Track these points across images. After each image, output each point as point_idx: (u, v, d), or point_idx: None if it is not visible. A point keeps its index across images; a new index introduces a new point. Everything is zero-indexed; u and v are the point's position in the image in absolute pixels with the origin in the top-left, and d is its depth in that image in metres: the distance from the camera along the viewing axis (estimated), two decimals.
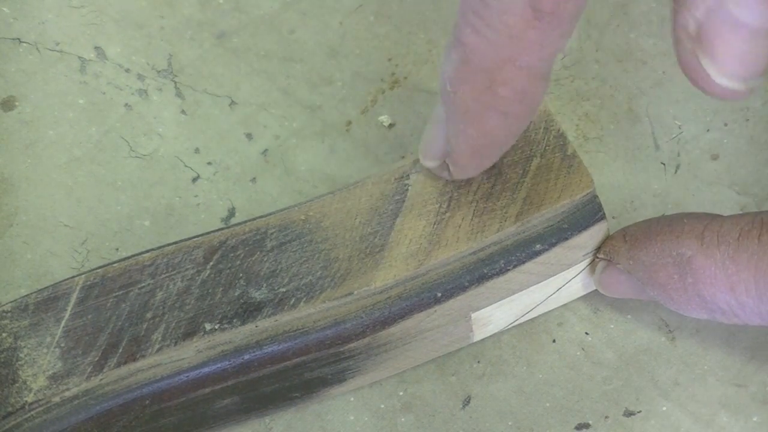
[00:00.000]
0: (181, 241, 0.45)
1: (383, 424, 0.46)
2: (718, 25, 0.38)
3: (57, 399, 0.42)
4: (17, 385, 0.42)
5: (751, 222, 0.42)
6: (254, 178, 0.51)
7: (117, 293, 0.44)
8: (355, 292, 0.43)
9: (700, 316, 0.44)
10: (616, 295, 0.46)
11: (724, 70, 0.38)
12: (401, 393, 0.47)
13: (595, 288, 0.47)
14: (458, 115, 0.40)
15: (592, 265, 0.46)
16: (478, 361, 0.47)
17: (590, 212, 0.45)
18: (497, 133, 0.41)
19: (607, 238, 0.45)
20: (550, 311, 0.47)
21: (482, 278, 0.44)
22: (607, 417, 0.46)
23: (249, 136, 0.52)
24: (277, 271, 0.44)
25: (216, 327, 0.43)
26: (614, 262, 0.45)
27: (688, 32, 0.38)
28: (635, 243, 0.44)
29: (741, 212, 0.45)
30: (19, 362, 0.43)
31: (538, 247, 0.44)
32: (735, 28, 0.37)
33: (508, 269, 0.44)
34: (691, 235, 0.42)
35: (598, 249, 0.45)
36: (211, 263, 0.44)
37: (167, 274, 0.44)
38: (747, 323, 0.43)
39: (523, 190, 0.45)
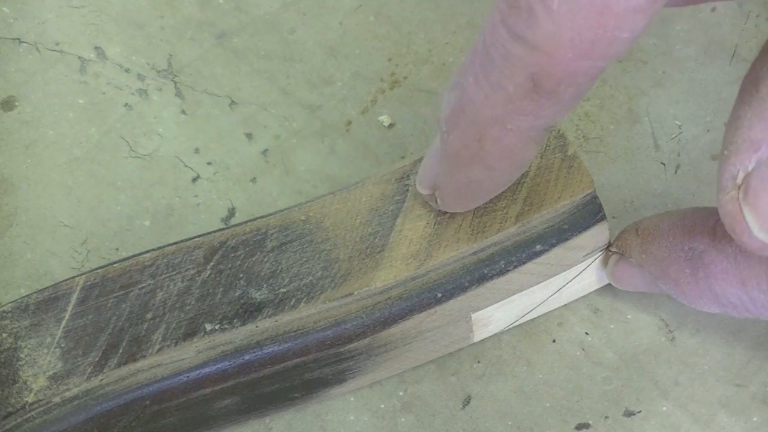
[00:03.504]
0: (181, 241, 0.45)
1: (383, 424, 0.46)
2: (767, 178, 0.37)
3: (57, 399, 0.42)
4: (18, 385, 0.42)
5: None
6: (254, 178, 0.51)
7: (117, 293, 0.44)
8: (356, 293, 0.43)
9: (711, 310, 0.44)
10: (629, 288, 0.46)
11: (766, 224, 0.37)
12: (401, 393, 0.47)
13: (595, 289, 0.47)
14: (448, 157, 0.40)
15: (605, 258, 0.46)
16: (478, 361, 0.47)
17: (590, 213, 0.45)
18: (482, 182, 0.41)
19: (620, 232, 0.45)
20: (550, 311, 0.47)
21: (482, 279, 0.44)
22: (607, 417, 0.46)
23: (249, 136, 0.52)
24: (278, 272, 0.44)
25: (216, 327, 0.43)
26: (627, 256, 0.45)
27: (735, 181, 0.37)
28: (647, 237, 0.44)
29: None
30: (20, 362, 0.43)
31: (538, 247, 0.44)
32: None
33: (509, 270, 0.44)
34: (703, 230, 0.43)
35: (610, 243, 0.46)
36: (212, 263, 0.44)
37: (167, 275, 0.44)
38: (759, 317, 0.43)
39: (524, 191, 0.45)
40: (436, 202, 0.43)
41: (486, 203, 0.44)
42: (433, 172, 0.42)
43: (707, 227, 0.43)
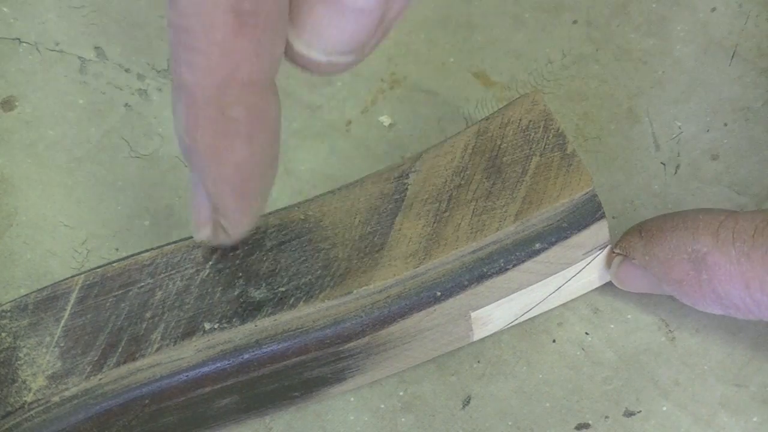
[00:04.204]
0: (180, 240, 0.45)
1: (383, 424, 0.46)
2: None
3: (56, 399, 0.42)
4: (17, 384, 0.42)
5: (766, 219, 0.42)
6: None
7: (116, 293, 0.44)
8: (355, 292, 0.43)
9: (714, 311, 0.44)
10: (632, 289, 0.46)
11: (305, 40, 0.37)
12: (401, 393, 0.47)
13: (594, 287, 0.47)
14: (207, 161, 0.38)
15: (609, 259, 0.46)
16: (478, 361, 0.47)
17: (590, 211, 0.45)
18: (250, 162, 0.39)
19: (624, 233, 0.46)
20: (550, 311, 0.47)
21: (482, 277, 0.44)
22: (607, 417, 0.46)
23: None
24: (277, 271, 0.44)
25: (215, 326, 0.43)
26: (630, 258, 0.45)
27: None
28: (651, 239, 0.44)
29: (756, 209, 0.45)
30: (19, 362, 0.43)
31: (537, 246, 0.44)
32: (322, 1, 0.37)
33: (508, 268, 0.44)
34: (706, 232, 0.43)
35: (611, 243, 0.46)
36: (211, 262, 0.44)
37: (167, 274, 0.44)
38: (762, 319, 0.43)
39: (523, 189, 0.45)
40: (222, 230, 0.41)
41: (485, 202, 0.44)
42: (202, 205, 0.40)
43: (710, 229, 0.43)
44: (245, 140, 0.38)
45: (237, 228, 0.41)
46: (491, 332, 0.47)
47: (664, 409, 0.46)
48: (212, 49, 0.36)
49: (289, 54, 0.38)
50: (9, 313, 0.44)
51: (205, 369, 0.43)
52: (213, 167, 0.39)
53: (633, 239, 0.45)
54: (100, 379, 0.42)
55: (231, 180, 0.39)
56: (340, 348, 0.44)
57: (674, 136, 0.51)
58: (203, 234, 0.41)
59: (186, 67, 0.36)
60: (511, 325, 0.47)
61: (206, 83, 0.36)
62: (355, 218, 0.45)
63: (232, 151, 0.38)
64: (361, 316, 0.44)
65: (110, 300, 0.44)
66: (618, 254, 0.46)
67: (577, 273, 0.46)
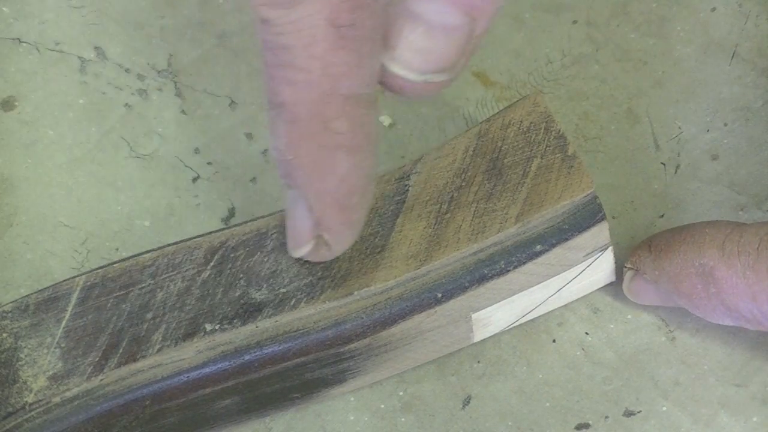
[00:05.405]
0: (181, 241, 0.45)
1: (383, 424, 0.46)
2: (397, 17, 0.37)
3: (57, 399, 0.42)
4: (18, 385, 0.42)
5: None
6: (254, 178, 0.51)
7: (117, 293, 0.44)
8: (356, 293, 0.43)
9: (726, 323, 0.44)
10: (646, 302, 0.47)
11: (400, 61, 0.38)
12: (401, 393, 0.47)
13: (595, 289, 0.47)
14: (310, 176, 0.39)
15: (621, 274, 0.46)
16: (478, 361, 0.47)
17: (590, 213, 0.45)
18: (352, 175, 0.39)
19: (634, 248, 0.46)
20: (550, 311, 0.47)
21: (483, 279, 0.44)
22: (607, 417, 0.46)
23: (249, 136, 0.52)
24: (278, 272, 0.44)
25: (216, 327, 0.43)
26: (641, 272, 0.45)
27: None
28: (659, 253, 0.44)
29: (762, 221, 0.45)
30: (20, 362, 0.43)
31: (538, 247, 0.44)
32: (412, 22, 0.37)
33: (509, 270, 0.44)
34: (712, 246, 0.43)
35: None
36: (212, 263, 0.44)
37: (168, 275, 0.44)
38: None
39: (524, 191, 0.45)
40: (325, 246, 0.42)
41: (486, 204, 0.44)
42: (302, 222, 0.41)
43: (716, 243, 0.43)
44: (349, 153, 0.39)
45: (341, 242, 0.42)
46: (492, 333, 0.47)
47: (664, 409, 0.46)
48: (313, 64, 0.36)
49: (384, 78, 0.38)
50: (10, 314, 0.44)
51: (206, 370, 0.43)
52: (317, 182, 0.39)
53: (643, 254, 0.45)
54: (101, 380, 0.42)
55: (336, 193, 0.40)
56: (341, 349, 0.44)
57: (674, 136, 0.51)
58: (304, 251, 0.42)
59: (286, 85, 0.37)
60: (511, 326, 0.47)
61: (308, 99, 0.37)
62: None
63: (336, 165, 0.39)
64: (362, 318, 0.44)
65: (111, 301, 0.44)
66: (629, 269, 0.46)
67: (577, 275, 0.46)
